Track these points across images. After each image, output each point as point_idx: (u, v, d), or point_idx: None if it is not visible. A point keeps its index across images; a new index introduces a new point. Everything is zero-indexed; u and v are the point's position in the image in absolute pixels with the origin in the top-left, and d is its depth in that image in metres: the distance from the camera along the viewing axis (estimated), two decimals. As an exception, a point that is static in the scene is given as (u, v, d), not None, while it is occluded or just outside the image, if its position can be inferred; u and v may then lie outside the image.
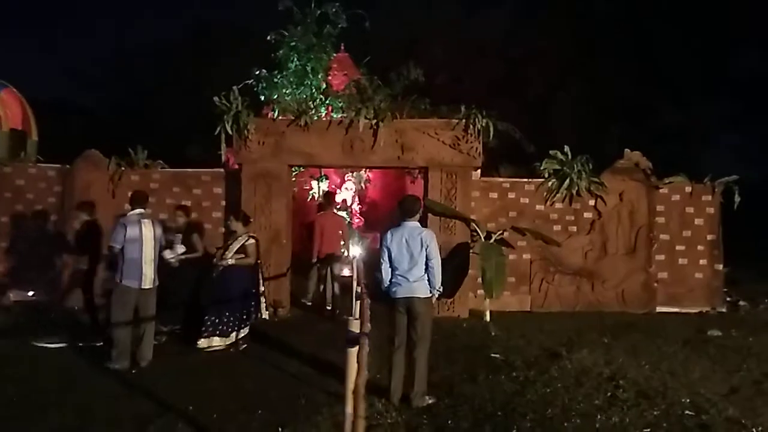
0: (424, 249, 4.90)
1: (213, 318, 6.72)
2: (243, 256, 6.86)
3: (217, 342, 6.71)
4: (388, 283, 5.06)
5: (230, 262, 6.83)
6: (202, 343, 6.68)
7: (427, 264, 4.92)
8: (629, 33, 21.88)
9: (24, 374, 5.77)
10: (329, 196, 9.61)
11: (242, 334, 6.84)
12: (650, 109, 22.08)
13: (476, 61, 22.50)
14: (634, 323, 8.20)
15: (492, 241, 8.46)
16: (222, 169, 9.27)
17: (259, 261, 7.24)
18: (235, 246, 6.87)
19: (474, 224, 8.55)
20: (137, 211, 6.21)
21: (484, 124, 8.45)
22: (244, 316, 6.86)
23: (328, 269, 8.99)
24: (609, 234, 9.08)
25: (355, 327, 3.22)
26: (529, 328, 7.79)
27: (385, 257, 5.06)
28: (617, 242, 9.09)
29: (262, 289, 7.20)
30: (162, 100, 21.07)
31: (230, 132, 8.44)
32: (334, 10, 12.63)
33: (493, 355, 6.49)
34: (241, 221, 7.07)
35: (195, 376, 5.84)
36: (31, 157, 10.82)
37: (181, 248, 6.87)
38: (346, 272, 13.07)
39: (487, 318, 8.23)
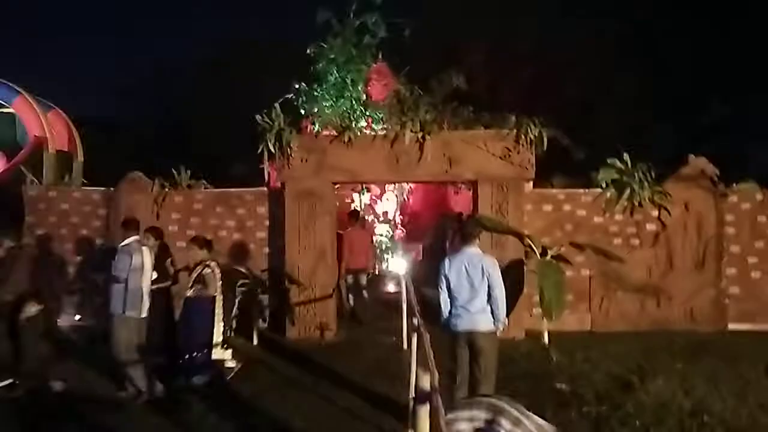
0: (485, 277, 4.52)
1: (184, 358, 6.22)
2: (201, 286, 6.29)
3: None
4: (448, 314, 4.69)
5: (189, 293, 6.33)
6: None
7: (489, 294, 4.52)
8: (671, 30, 20.94)
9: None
10: (355, 213, 10.13)
11: (199, 381, 6.15)
12: (699, 106, 21.07)
13: (515, 66, 21.96)
14: (707, 344, 7.59)
15: (548, 257, 7.98)
16: (265, 188, 9.06)
17: (219, 295, 6.53)
18: (193, 276, 6.33)
19: (528, 240, 8.09)
20: (135, 237, 5.98)
21: (536, 134, 8.00)
22: (204, 359, 6.23)
23: (354, 282, 9.43)
24: (675, 247, 8.47)
25: (425, 382, 2.84)
26: (592, 352, 7.25)
27: (444, 286, 4.70)
28: (684, 256, 8.48)
29: (221, 328, 6.46)
30: (202, 116, 21.20)
31: (273, 150, 8.21)
32: (373, 20, 12.35)
33: (558, 385, 6.01)
34: (203, 247, 6.48)
35: (239, 411, 5.57)
36: (77, 179, 10.90)
37: (153, 275, 6.27)
38: (390, 288, 12.79)
39: (546, 340, 7.74)
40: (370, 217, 14.54)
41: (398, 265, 14.29)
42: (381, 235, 14.75)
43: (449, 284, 4.66)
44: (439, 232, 14.06)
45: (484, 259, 4.62)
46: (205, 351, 6.26)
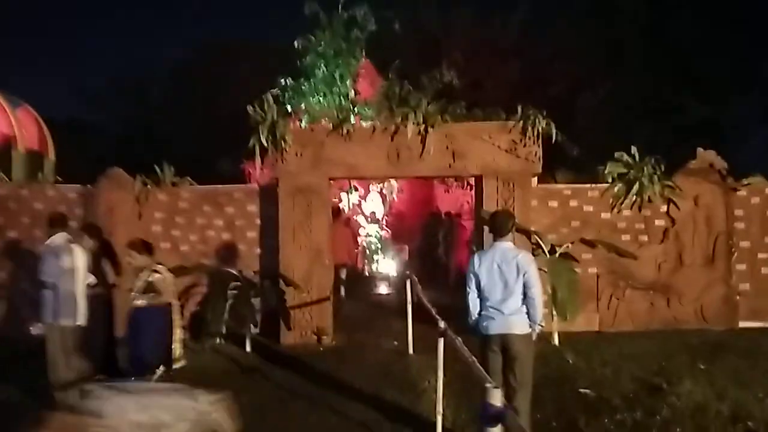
0: (521, 275, 4.09)
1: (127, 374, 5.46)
2: (153, 294, 5.51)
3: None
4: (477, 316, 4.25)
5: (139, 302, 5.50)
6: None
7: (525, 293, 4.10)
8: (656, 30, 21.01)
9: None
10: (336, 210, 10.14)
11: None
12: (680, 105, 21.14)
13: (497, 64, 21.76)
14: (723, 343, 7.31)
15: (557, 254, 7.62)
16: (255, 185, 8.53)
17: (175, 301, 5.81)
18: (140, 284, 5.52)
19: (536, 237, 7.71)
20: (62, 235, 5.33)
21: (544, 125, 7.64)
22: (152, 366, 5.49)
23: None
24: (684, 243, 8.18)
25: (495, 398, 2.39)
26: (607, 353, 6.92)
27: (472, 285, 4.26)
28: (693, 252, 8.20)
29: (178, 333, 5.77)
30: (182, 115, 20.47)
31: (265, 144, 7.69)
32: (363, 12, 11.92)
33: (582, 390, 5.63)
34: (143, 252, 5.64)
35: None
36: (49, 178, 10.18)
37: (90, 278, 5.57)
38: (382, 290, 12.34)
39: (556, 341, 7.37)
40: (358, 217, 14.08)
41: (388, 265, 13.87)
42: (369, 236, 14.30)
43: (479, 283, 4.22)
44: (428, 233, 13.68)
45: (519, 254, 4.19)
46: (159, 365, 5.48)
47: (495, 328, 4.13)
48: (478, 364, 3.11)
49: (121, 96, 23.72)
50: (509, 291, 4.10)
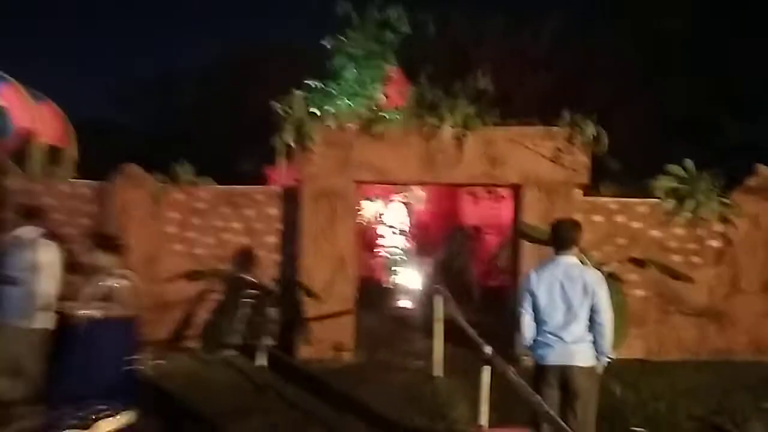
0: (589, 297, 3.51)
1: (71, 403, 4.33)
2: (111, 304, 4.43)
3: None
4: (531, 342, 3.66)
5: (93, 313, 4.36)
6: None
7: (592, 319, 3.51)
8: (693, 45, 20.23)
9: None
10: None
11: (116, 425, 4.44)
12: (717, 124, 20.30)
13: (529, 75, 21.20)
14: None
15: (603, 274, 6.96)
16: (278, 187, 8.03)
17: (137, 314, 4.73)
18: (97, 290, 4.43)
19: (579, 254, 7.06)
20: (33, 228, 4.83)
21: (594, 133, 7.04)
22: (119, 399, 4.45)
23: None
24: (741, 266, 7.49)
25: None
26: (657, 385, 6.26)
27: (528, 306, 3.67)
28: (750, 277, 7.50)
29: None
30: (205, 115, 20.22)
31: (291, 143, 7.20)
32: (397, 14, 11.43)
33: (636, 429, 5.00)
34: (108, 251, 4.57)
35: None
36: (66, 173, 9.82)
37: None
38: (405, 304, 11.73)
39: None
40: (379, 227, 13.56)
41: (411, 278, 13.27)
42: (392, 247, 13.73)
43: (536, 304, 3.63)
44: (450, 245, 13.08)
45: (587, 272, 3.62)
46: (116, 391, 4.42)
47: (554, 357, 3.54)
48: (542, 402, 2.53)
49: (148, 96, 23.64)
50: (573, 315, 3.52)
